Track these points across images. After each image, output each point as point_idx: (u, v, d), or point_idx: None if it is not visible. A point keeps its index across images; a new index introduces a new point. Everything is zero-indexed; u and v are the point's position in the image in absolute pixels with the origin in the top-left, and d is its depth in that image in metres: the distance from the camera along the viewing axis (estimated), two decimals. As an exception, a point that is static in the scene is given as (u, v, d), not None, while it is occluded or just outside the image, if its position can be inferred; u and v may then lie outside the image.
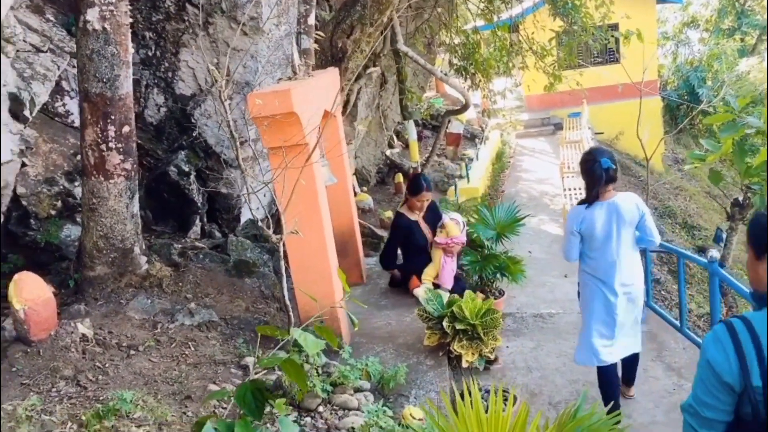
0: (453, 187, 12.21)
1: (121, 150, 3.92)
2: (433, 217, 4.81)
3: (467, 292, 3.80)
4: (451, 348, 3.63)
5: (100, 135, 3.85)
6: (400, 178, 12.47)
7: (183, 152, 5.88)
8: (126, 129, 3.93)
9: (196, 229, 5.75)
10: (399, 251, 5.12)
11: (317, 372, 3.42)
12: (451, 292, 4.46)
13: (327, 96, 4.42)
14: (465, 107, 8.24)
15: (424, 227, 4.81)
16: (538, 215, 12.41)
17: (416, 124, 15.45)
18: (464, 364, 3.62)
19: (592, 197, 3.44)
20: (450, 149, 15.35)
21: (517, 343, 5.15)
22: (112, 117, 3.85)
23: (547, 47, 10.38)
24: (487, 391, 3.87)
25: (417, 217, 4.84)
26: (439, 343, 3.76)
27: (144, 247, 4.30)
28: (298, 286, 3.87)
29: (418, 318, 3.90)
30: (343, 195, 4.95)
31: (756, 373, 1.61)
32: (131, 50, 3.92)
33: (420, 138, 14.86)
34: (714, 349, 1.70)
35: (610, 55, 19.17)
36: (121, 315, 3.85)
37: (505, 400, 3.83)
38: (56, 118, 5.22)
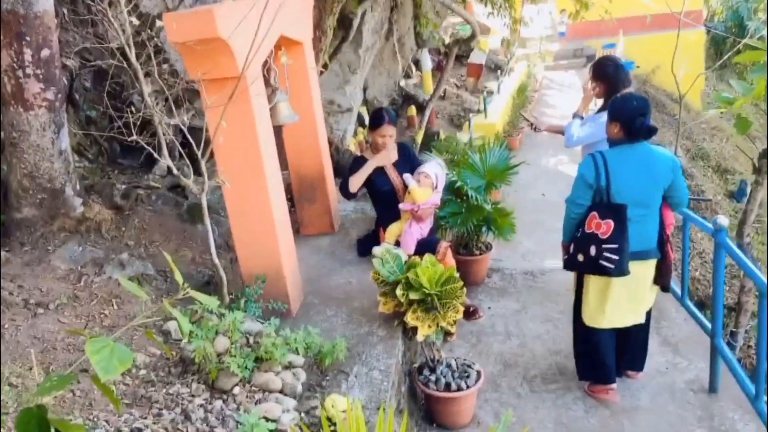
0: (468, 122, 11.50)
1: (41, 77, 3.42)
2: (407, 163, 4.20)
3: (427, 256, 3.29)
4: (404, 319, 3.17)
5: (15, 59, 3.35)
6: (413, 111, 11.75)
7: (149, 78, 5.35)
8: (46, 53, 3.41)
9: (162, 165, 5.29)
10: (371, 201, 4.55)
11: (248, 342, 3.00)
12: (424, 247, 3.93)
13: (288, 19, 3.81)
14: (473, 36, 7.47)
15: (391, 172, 4.18)
16: (557, 155, 11.68)
17: (438, 53, 14.53)
18: (419, 338, 3.16)
19: None
20: (470, 81, 14.47)
21: (500, 304, 4.69)
22: (28, 38, 3.33)
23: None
24: (449, 366, 3.45)
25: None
26: (395, 311, 3.30)
27: (79, 187, 3.86)
28: (237, 240, 3.41)
29: (377, 279, 3.43)
30: (311, 134, 4.39)
31: (603, 178, 3.09)
32: (49, -41, 3.35)
33: (440, 68, 14.00)
34: (584, 166, 3.19)
35: (652, -19, 17.68)
36: (44, 264, 3.46)
37: (467, 375, 3.41)
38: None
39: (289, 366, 2.89)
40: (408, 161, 4.22)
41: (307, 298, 3.72)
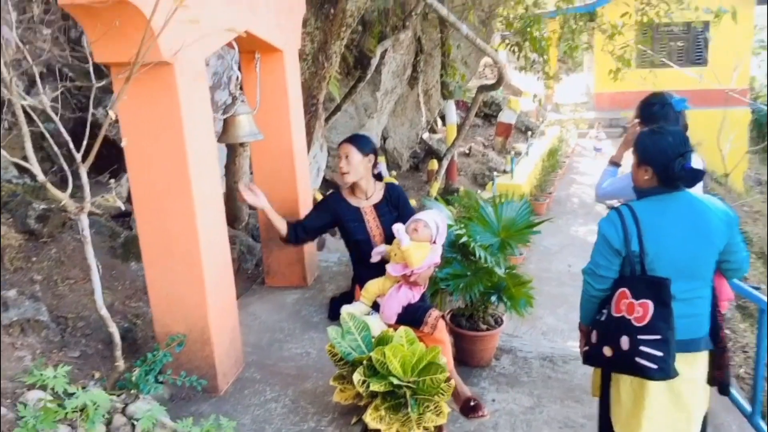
0: (492, 182, 10.70)
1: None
2: (393, 209, 3.32)
3: (402, 329, 2.37)
4: (364, 417, 2.23)
5: None
6: (434, 164, 11.00)
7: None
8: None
9: (121, 189, 4.51)
10: (348, 253, 3.58)
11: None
12: (408, 315, 2.97)
13: (259, 15, 3.06)
14: (499, 81, 6.72)
15: (369, 217, 3.30)
16: (587, 224, 10.77)
17: (465, 108, 13.89)
18: (382, 446, 2.21)
19: None
20: (499, 140, 13.76)
21: (508, 396, 3.66)
22: None
23: (619, 26, 8.67)
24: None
25: (362, 203, 3.34)
26: (353, 403, 2.37)
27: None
28: (151, 287, 2.53)
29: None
30: (285, 163, 3.56)
31: (635, 242, 2.29)
32: None
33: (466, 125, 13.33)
34: (607, 226, 2.36)
35: (696, 55, 17.05)
36: None
37: (450, 506, 2.42)
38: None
39: (178, 478, 1.95)
40: (394, 207, 3.34)
41: (247, 371, 2.80)
